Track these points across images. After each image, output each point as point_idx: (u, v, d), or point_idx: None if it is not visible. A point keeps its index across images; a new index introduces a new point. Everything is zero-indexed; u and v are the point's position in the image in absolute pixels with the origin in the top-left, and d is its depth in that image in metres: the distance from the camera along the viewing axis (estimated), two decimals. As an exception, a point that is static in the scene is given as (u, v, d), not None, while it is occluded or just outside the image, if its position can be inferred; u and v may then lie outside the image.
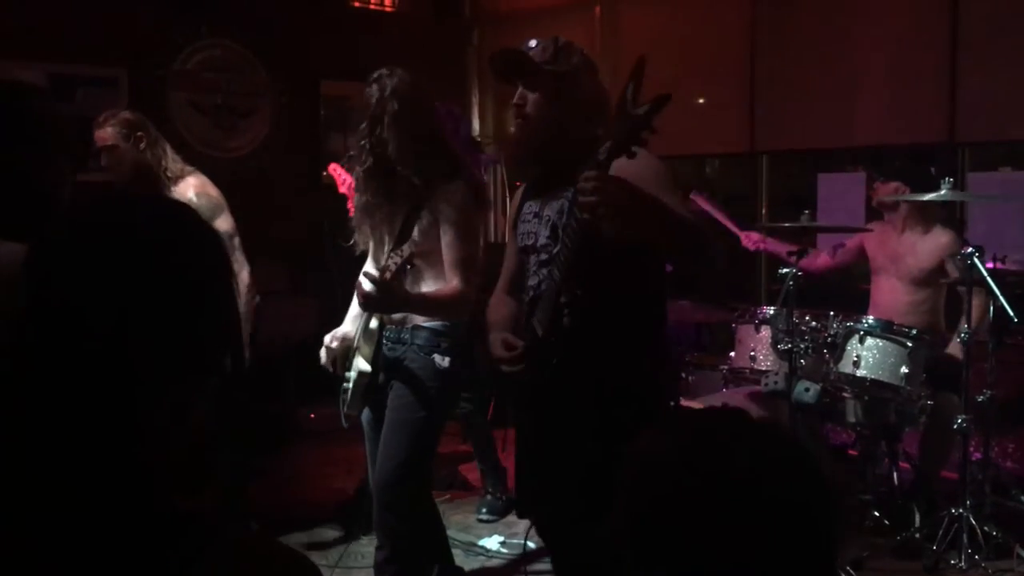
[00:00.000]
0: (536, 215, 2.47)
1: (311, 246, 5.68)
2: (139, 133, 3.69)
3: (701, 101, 6.09)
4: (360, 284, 2.80)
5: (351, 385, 3.06)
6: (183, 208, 1.00)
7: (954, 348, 3.99)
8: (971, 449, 3.79)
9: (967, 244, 3.72)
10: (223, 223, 3.70)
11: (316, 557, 3.94)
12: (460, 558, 3.60)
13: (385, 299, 2.75)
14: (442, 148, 2.94)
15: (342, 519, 4.06)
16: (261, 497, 4.26)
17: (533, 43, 2.42)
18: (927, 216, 4.24)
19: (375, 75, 2.95)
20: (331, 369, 3.12)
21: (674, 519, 0.96)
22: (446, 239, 2.85)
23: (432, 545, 3.24)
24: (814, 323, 3.96)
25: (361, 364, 3.03)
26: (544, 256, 2.42)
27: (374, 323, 3.02)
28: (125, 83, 5.48)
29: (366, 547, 3.86)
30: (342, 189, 3.92)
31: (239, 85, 5.93)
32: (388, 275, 2.74)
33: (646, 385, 2.38)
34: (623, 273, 2.28)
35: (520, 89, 2.42)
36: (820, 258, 4.60)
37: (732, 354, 4.24)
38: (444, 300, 2.87)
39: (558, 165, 2.41)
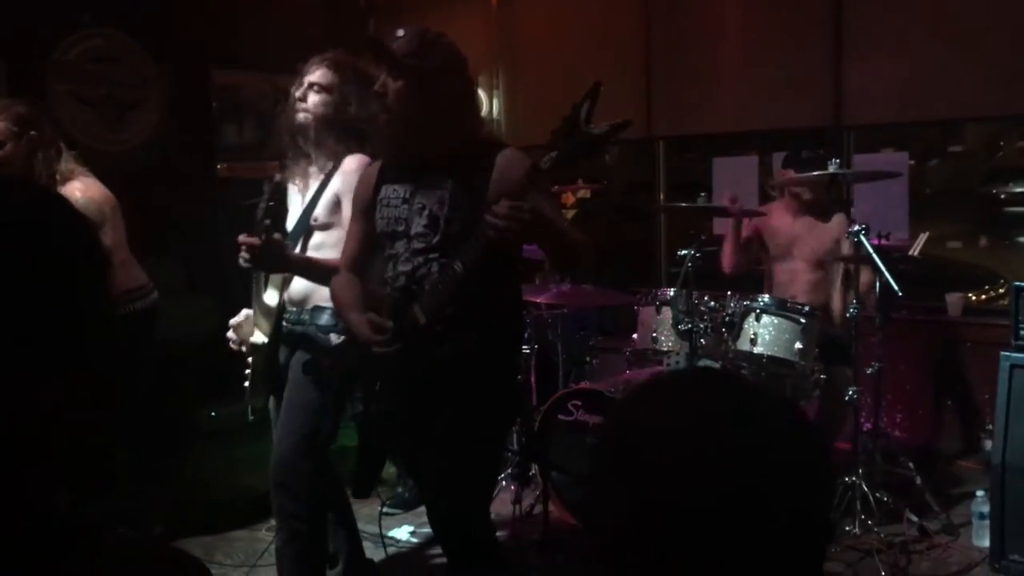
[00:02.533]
0: (405, 201, 2.50)
1: (206, 242, 5.53)
2: (32, 132, 3.45)
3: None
4: (242, 241, 2.76)
5: (251, 369, 3.03)
6: (52, 195, 0.97)
7: (837, 315, 4.20)
8: (862, 420, 3.95)
9: (854, 223, 3.86)
10: (105, 237, 3.50)
11: (222, 558, 3.86)
12: (371, 550, 3.58)
13: (265, 256, 2.74)
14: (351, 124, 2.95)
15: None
16: (165, 500, 4.15)
17: (401, 32, 2.45)
18: (825, 199, 4.39)
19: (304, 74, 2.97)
20: (243, 350, 3.06)
21: (674, 487, 0.91)
22: (345, 212, 2.85)
23: (341, 536, 3.22)
24: (712, 303, 4.06)
25: (258, 337, 3.00)
26: (420, 244, 2.46)
27: (270, 298, 2.99)
28: (3, 75, 5.22)
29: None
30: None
31: (124, 75, 5.71)
32: (264, 235, 2.72)
33: (507, 363, 2.62)
34: (499, 262, 2.39)
35: (383, 77, 2.45)
36: (726, 257, 4.56)
37: (635, 336, 4.31)
38: (331, 267, 2.84)
39: (429, 155, 2.47)
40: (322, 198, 2.91)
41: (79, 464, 0.94)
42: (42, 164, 3.44)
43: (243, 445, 4.69)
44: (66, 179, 3.49)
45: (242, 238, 2.73)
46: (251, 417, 3.12)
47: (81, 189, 3.48)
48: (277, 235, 2.78)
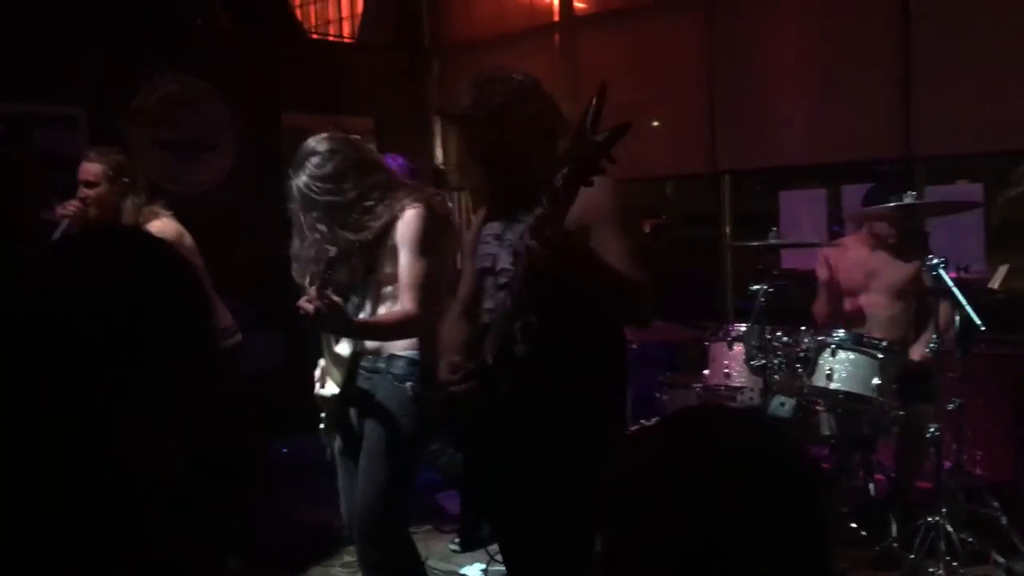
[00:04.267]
0: (497, 237, 2.49)
1: (278, 279, 5.63)
2: (124, 179, 3.67)
3: (656, 124, 6.16)
4: (301, 306, 2.72)
5: (324, 418, 3.05)
6: (158, 240, 1.00)
7: (914, 352, 4.08)
8: (945, 457, 3.84)
9: (932, 256, 3.78)
10: None
11: (296, 594, 3.89)
12: (443, 588, 3.57)
13: (327, 320, 2.70)
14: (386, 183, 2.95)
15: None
16: (239, 535, 4.19)
17: (463, 89, 2.46)
18: (902, 237, 4.31)
19: (312, 147, 2.93)
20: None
21: (654, 522, 0.92)
22: (402, 261, 2.86)
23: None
24: (786, 338, 4.00)
25: (330, 388, 3.02)
26: (503, 280, 2.42)
27: (343, 348, 3.00)
28: (84, 122, 5.41)
29: (347, 582, 3.81)
30: None
31: (200, 119, 5.88)
32: (323, 298, 2.67)
33: (600, 410, 2.38)
34: (580, 302, 2.26)
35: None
36: (819, 307, 4.51)
37: (706, 372, 4.27)
38: (390, 324, 2.85)
39: (522, 188, 2.41)
40: (384, 250, 2.90)
41: (180, 498, 0.96)
42: (130, 209, 3.63)
43: (315, 480, 4.73)
44: (147, 220, 3.66)
45: (302, 302, 2.70)
46: (328, 457, 3.14)
47: (157, 228, 3.62)
48: (338, 299, 2.76)
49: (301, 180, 2.90)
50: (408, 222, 2.86)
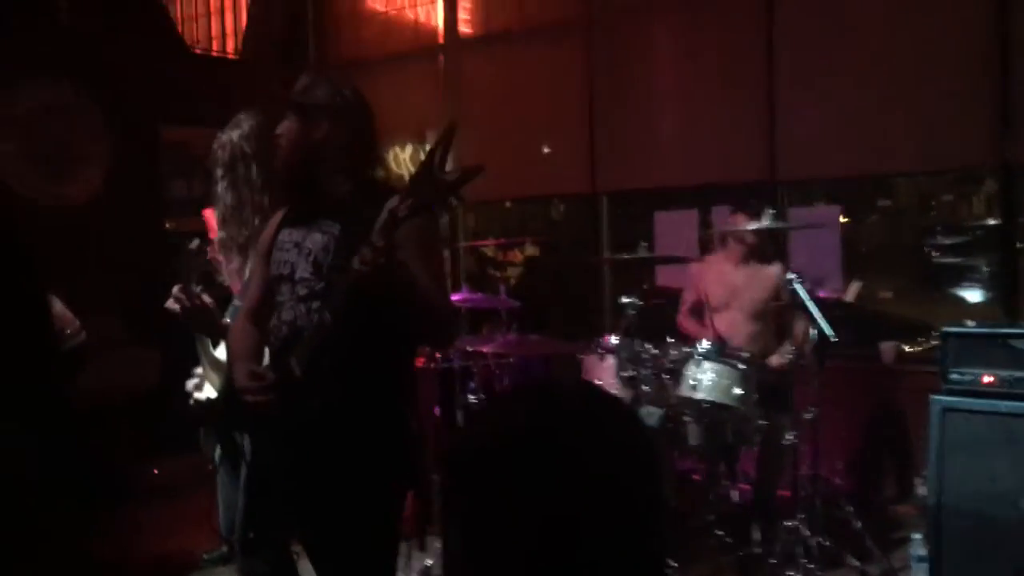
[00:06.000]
0: (296, 245, 2.45)
1: (152, 295, 5.49)
2: None
3: (539, 146, 6.30)
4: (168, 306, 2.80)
5: (203, 424, 3.02)
6: None
7: (772, 360, 4.29)
8: (802, 465, 4.01)
9: (789, 271, 3.98)
10: None
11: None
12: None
13: (193, 320, 2.77)
14: None
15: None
16: (105, 555, 4.05)
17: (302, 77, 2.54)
18: (764, 249, 4.52)
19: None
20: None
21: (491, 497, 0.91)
22: None
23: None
24: (655, 350, 4.12)
25: (208, 391, 2.98)
26: (304, 291, 2.39)
27: (221, 353, 2.96)
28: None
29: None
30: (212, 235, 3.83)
31: (72, 130, 5.70)
32: (189, 295, 2.75)
33: (396, 422, 2.40)
34: (381, 319, 2.28)
35: (284, 121, 2.48)
36: (682, 319, 4.76)
37: (579, 385, 4.35)
38: None
39: (316, 196, 2.45)
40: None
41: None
42: None
43: (187, 500, 4.62)
44: None
45: (169, 302, 2.76)
46: (210, 467, 3.09)
47: None
48: (208, 300, 2.81)
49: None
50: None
